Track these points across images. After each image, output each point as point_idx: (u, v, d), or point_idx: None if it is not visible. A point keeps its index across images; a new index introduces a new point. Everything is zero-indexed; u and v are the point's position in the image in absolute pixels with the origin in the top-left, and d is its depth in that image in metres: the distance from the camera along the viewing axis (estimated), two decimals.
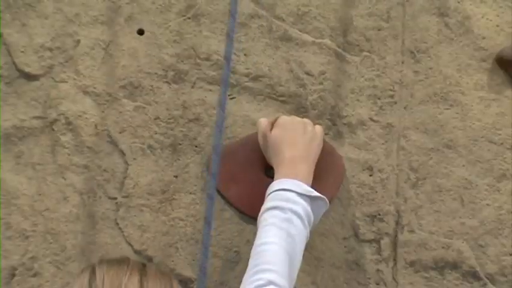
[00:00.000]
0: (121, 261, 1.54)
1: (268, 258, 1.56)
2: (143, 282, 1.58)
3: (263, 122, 1.69)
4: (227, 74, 1.55)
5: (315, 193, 1.60)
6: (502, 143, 1.78)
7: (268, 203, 1.61)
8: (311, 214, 1.60)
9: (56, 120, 1.72)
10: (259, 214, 1.61)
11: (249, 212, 1.68)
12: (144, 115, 1.69)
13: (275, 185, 1.63)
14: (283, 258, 1.58)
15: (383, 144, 1.74)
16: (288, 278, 1.52)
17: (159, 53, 1.73)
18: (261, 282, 1.46)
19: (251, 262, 1.54)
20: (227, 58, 1.58)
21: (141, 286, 1.59)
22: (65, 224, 1.69)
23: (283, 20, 1.76)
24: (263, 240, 1.57)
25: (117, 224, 1.66)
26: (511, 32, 1.81)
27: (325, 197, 1.60)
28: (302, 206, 1.60)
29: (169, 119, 1.71)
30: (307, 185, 1.60)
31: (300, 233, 1.59)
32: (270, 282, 1.47)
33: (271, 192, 1.61)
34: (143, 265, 1.53)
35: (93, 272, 1.44)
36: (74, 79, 1.71)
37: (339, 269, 1.68)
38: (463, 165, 1.78)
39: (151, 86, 1.73)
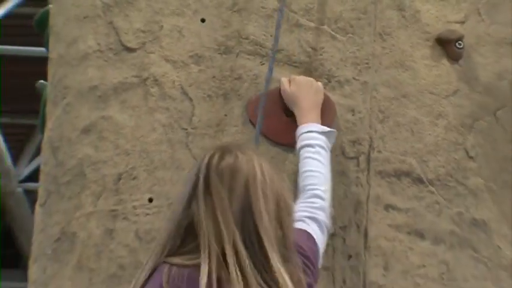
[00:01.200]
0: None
1: (312, 181, 2.21)
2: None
3: (284, 80, 2.33)
4: (275, 51, 2.25)
5: (327, 129, 2.25)
6: (439, 94, 2.45)
7: (301, 142, 2.26)
8: (328, 142, 2.25)
9: (147, 78, 2.39)
10: (297, 150, 2.26)
11: (273, 138, 2.34)
12: (205, 75, 2.33)
13: (301, 128, 2.27)
14: (322, 178, 2.23)
15: (361, 94, 2.37)
16: (326, 190, 2.20)
17: (214, 34, 2.36)
18: (314, 200, 2.16)
19: (300, 183, 2.22)
20: (276, 38, 2.26)
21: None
22: (153, 146, 2.35)
23: (296, 13, 2.39)
24: (305, 169, 2.24)
25: (187, 146, 2.30)
26: (446, 21, 2.51)
27: (334, 130, 2.26)
28: (322, 140, 2.25)
29: (221, 77, 2.33)
30: (320, 124, 2.27)
31: (326, 157, 2.25)
32: (317, 196, 2.17)
33: (300, 134, 2.26)
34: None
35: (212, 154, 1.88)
36: (159, 51, 2.38)
37: (332, 176, 2.25)
38: (414, 109, 2.42)
39: (210, 55, 2.37)
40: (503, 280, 2.57)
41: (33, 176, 9.69)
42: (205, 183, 1.84)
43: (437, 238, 2.47)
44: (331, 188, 2.22)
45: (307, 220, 2.15)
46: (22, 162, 10.27)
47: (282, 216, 1.88)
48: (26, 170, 10.41)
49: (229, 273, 1.70)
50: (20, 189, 10.22)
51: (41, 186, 2.86)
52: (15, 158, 10.24)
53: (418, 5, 2.50)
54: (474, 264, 2.52)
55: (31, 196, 10.17)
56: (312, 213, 2.14)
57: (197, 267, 1.73)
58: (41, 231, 2.73)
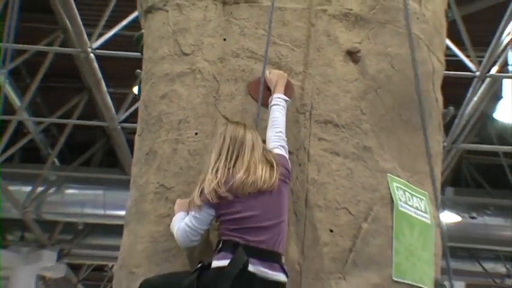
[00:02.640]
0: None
1: (277, 123, 3.20)
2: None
3: (267, 72, 3.34)
4: (265, 56, 3.30)
5: (287, 98, 3.27)
6: (347, 80, 3.48)
7: (272, 102, 3.25)
8: (286, 105, 3.24)
9: (195, 70, 3.47)
10: (269, 106, 3.24)
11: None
12: (224, 68, 3.43)
13: (274, 95, 3.28)
14: (281, 122, 3.23)
15: (307, 80, 3.40)
16: (284, 128, 3.20)
17: (230, 47, 3.49)
18: (279, 134, 3.18)
19: (269, 123, 3.21)
20: (266, 51, 3.30)
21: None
22: (197, 105, 3.42)
23: (273, 36, 3.45)
24: (273, 116, 3.23)
25: (216, 106, 3.37)
26: (352, 42, 3.54)
27: (289, 100, 3.27)
28: (283, 103, 3.25)
29: (234, 70, 3.44)
30: (284, 94, 3.28)
31: (284, 111, 3.23)
32: (281, 132, 3.18)
33: (273, 99, 3.26)
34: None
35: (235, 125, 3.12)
36: (201, 55, 3.50)
37: (287, 121, 3.28)
38: (335, 87, 3.46)
39: (227, 58, 3.46)
40: (379, 178, 3.47)
41: (129, 119, 11.38)
42: (231, 141, 3.06)
43: (346, 155, 3.46)
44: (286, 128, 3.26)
45: (281, 147, 3.19)
46: (121, 110, 11.72)
47: (264, 151, 3.09)
48: (123, 116, 11.76)
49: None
50: (119, 127, 11.76)
51: (138, 125, 3.82)
52: (118, 107, 11.52)
53: (337, 33, 3.59)
54: (364, 170, 3.48)
55: (127, 131, 11.69)
56: (281, 143, 3.19)
57: (232, 169, 2.98)
58: (138, 150, 3.70)
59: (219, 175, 2.94)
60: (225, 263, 2.81)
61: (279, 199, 3.00)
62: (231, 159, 3.01)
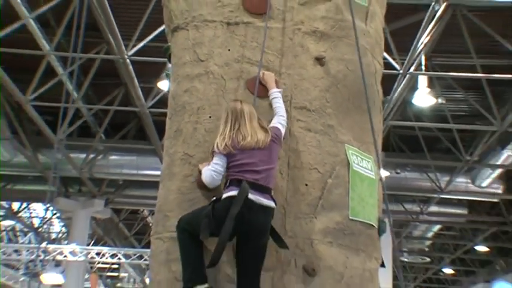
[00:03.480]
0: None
1: (279, 111, 3.23)
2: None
3: (261, 72, 3.31)
4: (260, 63, 3.28)
5: (280, 90, 3.27)
6: (316, 77, 3.46)
7: (271, 96, 3.28)
8: (281, 95, 3.24)
9: (208, 72, 3.47)
10: (270, 99, 3.28)
11: (257, 94, 3.29)
12: (229, 70, 3.43)
13: (272, 91, 3.29)
14: (282, 110, 3.24)
15: (287, 78, 3.40)
16: (285, 114, 3.23)
17: (233, 55, 3.49)
18: (281, 117, 3.21)
19: (274, 112, 3.23)
20: (260, 60, 3.28)
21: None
22: (210, 96, 3.43)
23: (265, 51, 3.54)
24: (275, 106, 3.24)
25: (223, 97, 3.40)
26: (319, 51, 3.54)
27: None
28: (280, 95, 3.27)
29: (236, 72, 3.42)
30: (278, 88, 3.27)
31: (282, 100, 3.25)
32: (282, 116, 3.22)
33: (272, 93, 3.29)
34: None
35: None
36: (211, 61, 3.47)
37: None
38: (307, 83, 3.46)
39: (231, 64, 3.47)
40: (339, 147, 3.45)
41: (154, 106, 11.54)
42: (232, 113, 3.12)
43: (316, 131, 3.43)
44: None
45: (278, 124, 3.21)
46: (149, 99, 11.75)
47: (259, 120, 3.14)
48: (150, 103, 11.73)
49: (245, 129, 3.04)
50: (147, 111, 11.93)
51: (168, 111, 3.73)
52: (146, 97, 11.59)
53: (308, 45, 3.55)
54: (328, 142, 3.47)
55: (153, 114, 11.94)
56: (281, 122, 3.21)
57: (236, 132, 3.05)
58: (169, 129, 3.65)
59: (226, 138, 3.03)
60: (234, 193, 2.94)
61: (270, 153, 3.10)
62: (233, 126, 3.09)
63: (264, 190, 2.97)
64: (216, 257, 2.89)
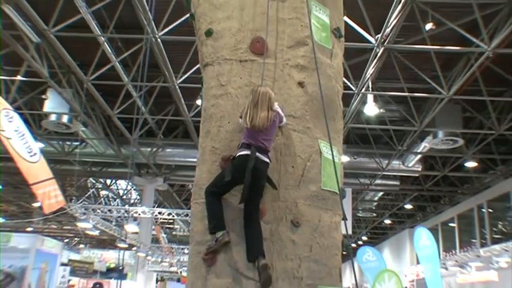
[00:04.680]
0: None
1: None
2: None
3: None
4: (262, 74, 3.16)
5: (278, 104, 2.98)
6: (298, 93, 3.23)
7: (274, 106, 2.91)
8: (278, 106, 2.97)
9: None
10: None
11: None
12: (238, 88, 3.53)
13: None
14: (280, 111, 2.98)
15: (277, 91, 3.35)
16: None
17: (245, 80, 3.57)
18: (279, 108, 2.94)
19: None
20: (261, 82, 3.20)
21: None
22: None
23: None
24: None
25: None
26: (299, 78, 3.36)
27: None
28: (278, 105, 2.99)
29: (244, 85, 3.48)
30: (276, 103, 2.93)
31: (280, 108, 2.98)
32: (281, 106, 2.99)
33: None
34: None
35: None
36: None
37: None
38: (289, 96, 3.16)
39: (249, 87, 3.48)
40: (314, 141, 3.17)
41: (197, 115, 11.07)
42: (253, 96, 2.89)
43: (299, 131, 3.15)
44: None
45: (279, 108, 3.03)
46: (191, 110, 11.79)
47: (270, 101, 2.90)
48: (193, 113, 11.73)
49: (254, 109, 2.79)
50: (190, 120, 11.91)
51: (201, 119, 3.39)
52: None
53: (293, 74, 3.27)
54: (307, 138, 3.21)
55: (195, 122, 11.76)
56: (280, 108, 3.00)
57: (253, 111, 2.82)
58: (201, 130, 3.39)
59: (248, 117, 2.86)
60: (246, 152, 2.83)
61: (271, 129, 2.94)
62: (255, 105, 2.89)
63: (264, 151, 2.84)
64: (245, 195, 2.78)
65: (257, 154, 2.76)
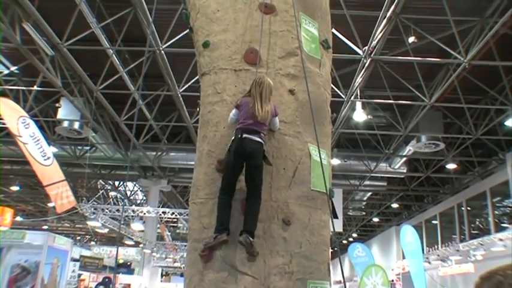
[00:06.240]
0: None
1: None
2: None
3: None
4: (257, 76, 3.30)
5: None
6: (289, 100, 3.10)
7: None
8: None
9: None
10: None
11: None
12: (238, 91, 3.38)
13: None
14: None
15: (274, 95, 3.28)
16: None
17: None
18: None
19: None
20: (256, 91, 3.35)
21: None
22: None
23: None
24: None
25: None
26: (289, 87, 3.19)
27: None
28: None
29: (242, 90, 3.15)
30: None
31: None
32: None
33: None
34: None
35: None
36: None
37: None
38: (283, 101, 3.04)
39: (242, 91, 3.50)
40: (304, 145, 3.07)
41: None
42: (256, 83, 2.81)
43: (290, 135, 3.05)
44: None
45: (274, 107, 2.88)
46: (193, 117, 11.56)
47: (271, 92, 2.80)
48: (194, 120, 11.34)
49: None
50: (192, 126, 11.68)
51: (199, 124, 3.32)
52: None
53: (285, 82, 3.15)
54: (297, 142, 3.07)
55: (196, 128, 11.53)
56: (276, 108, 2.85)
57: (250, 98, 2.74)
58: (199, 135, 3.25)
59: (256, 110, 2.78)
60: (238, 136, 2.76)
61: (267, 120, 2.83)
62: (260, 97, 2.82)
63: (255, 133, 2.72)
64: (228, 173, 2.81)
65: (245, 135, 2.66)
